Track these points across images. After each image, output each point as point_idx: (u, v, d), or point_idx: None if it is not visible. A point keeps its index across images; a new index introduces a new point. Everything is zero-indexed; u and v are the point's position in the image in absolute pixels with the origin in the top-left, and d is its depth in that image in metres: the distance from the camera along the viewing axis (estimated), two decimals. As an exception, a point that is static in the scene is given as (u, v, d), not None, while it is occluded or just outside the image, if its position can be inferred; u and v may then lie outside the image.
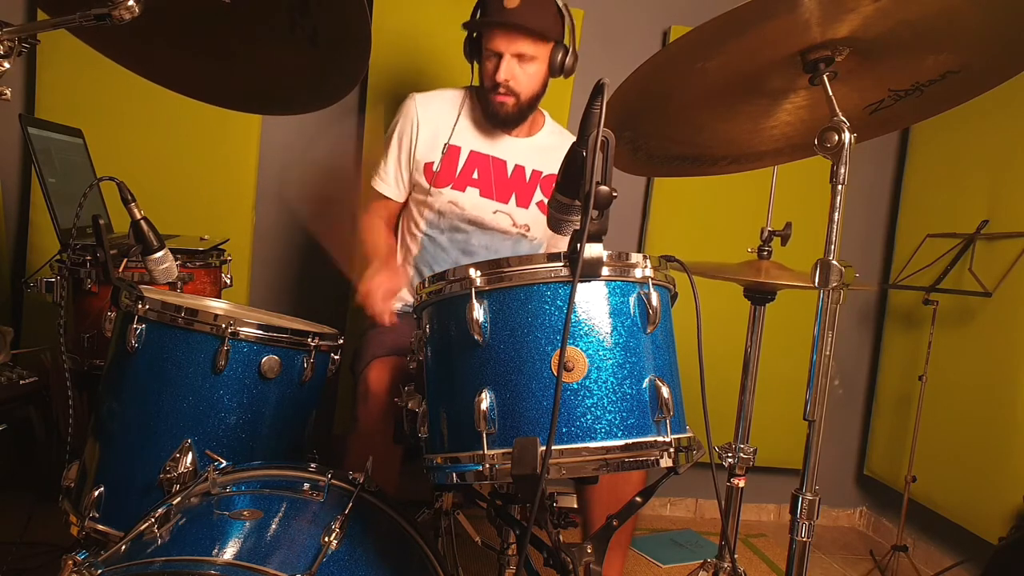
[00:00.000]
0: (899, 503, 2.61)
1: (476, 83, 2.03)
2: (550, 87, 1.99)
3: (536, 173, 2.06)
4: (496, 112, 1.95)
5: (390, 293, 1.74)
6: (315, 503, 1.17)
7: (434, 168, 1.98)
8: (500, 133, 2.03)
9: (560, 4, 1.89)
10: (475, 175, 2.01)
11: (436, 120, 2.00)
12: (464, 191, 2.01)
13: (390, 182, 2.05)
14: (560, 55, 1.91)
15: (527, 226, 2.06)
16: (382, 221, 2.07)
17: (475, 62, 1.99)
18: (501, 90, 1.90)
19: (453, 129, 1.99)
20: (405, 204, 2.10)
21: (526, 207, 2.05)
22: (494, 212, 2.03)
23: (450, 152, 2.00)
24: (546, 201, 2.06)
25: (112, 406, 1.39)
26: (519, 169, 2.05)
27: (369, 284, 1.73)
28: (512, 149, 2.05)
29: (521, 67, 1.88)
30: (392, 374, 1.66)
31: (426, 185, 2.00)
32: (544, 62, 1.91)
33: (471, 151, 2.02)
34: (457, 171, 2.01)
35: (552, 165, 2.04)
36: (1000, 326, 2.42)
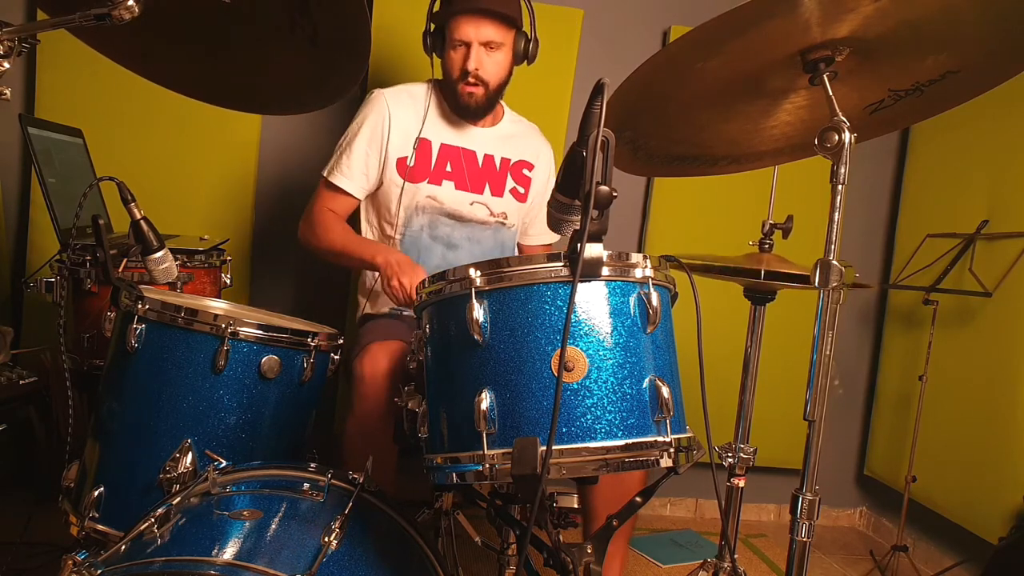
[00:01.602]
0: (899, 503, 2.60)
1: (437, 76, 2.03)
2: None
3: (505, 161, 2.07)
4: (466, 104, 1.95)
5: (413, 267, 1.78)
6: (315, 503, 1.17)
7: (408, 163, 1.97)
8: (467, 125, 2.04)
9: None
10: (448, 168, 2.01)
11: (407, 114, 1.99)
12: (441, 185, 2.00)
13: (354, 176, 1.97)
14: (523, 42, 1.94)
15: (504, 214, 2.07)
16: (337, 216, 2.01)
17: (436, 56, 1.98)
18: (471, 79, 1.90)
19: (423, 122, 1.98)
20: (359, 207, 2.05)
21: (500, 195, 2.06)
22: (471, 204, 2.03)
23: (421, 146, 1.98)
24: (520, 189, 2.07)
25: (112, 406, 1.39)
26: (488, 158, 2.06)
27: (398, 256, 1.80)
28: (479, 139, 2.05)
29: (489, 55, 1.89)
30: (388, 357, 1.64)
31: (399, 181, 1.97)
32: (509, 50, 1.93)
33: (442, 144, 2.01)
34: (431, 165, 2.00)
35: (518, 152, 2.09)
36: (1000, 326, 2.42)
